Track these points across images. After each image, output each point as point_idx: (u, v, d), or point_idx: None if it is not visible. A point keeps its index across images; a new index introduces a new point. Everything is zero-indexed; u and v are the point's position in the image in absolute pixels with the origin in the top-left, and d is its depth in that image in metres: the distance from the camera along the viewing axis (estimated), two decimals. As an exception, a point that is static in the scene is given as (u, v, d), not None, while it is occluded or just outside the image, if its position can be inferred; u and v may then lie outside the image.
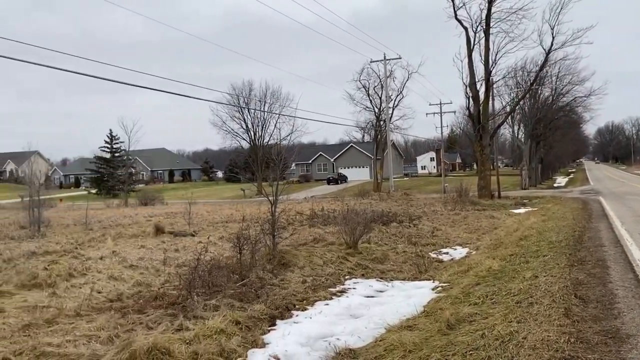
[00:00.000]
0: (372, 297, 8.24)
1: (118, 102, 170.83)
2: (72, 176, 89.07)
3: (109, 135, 62.17)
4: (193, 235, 15.44)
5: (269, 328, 6.48)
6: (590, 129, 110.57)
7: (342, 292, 8.47)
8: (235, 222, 18.98)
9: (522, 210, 23.12)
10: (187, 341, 5.53)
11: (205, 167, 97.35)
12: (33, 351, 5.26)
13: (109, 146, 62.45)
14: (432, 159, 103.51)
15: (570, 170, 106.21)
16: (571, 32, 29.99)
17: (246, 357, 5.44)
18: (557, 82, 47.42)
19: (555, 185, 56.69)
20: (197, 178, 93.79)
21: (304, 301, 7.76)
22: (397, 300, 7.80)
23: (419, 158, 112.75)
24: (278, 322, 6.76)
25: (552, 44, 30.43)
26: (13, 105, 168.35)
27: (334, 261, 10.80)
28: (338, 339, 5.94)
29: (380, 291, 8.67)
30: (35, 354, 5.19)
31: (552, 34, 29.91)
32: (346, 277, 9.63)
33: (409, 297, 7.90)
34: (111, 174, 59.57)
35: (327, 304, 7.64)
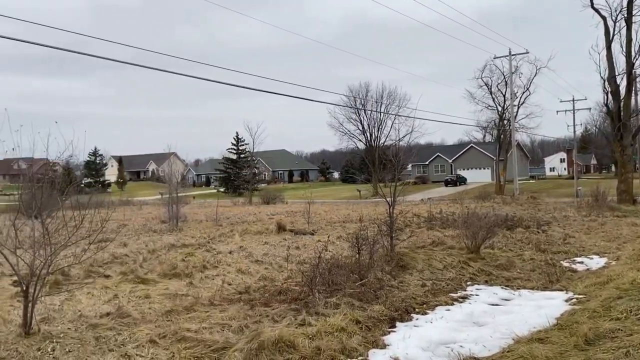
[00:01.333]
0: (497, 305, 7.84)
1: (242, 106, 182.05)
2: (203, 176, 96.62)
3: (235, 137, 66.53)
4: (312, 234, 15.93)
5: (389, 330, 6.48)
6: None
7: (464, 298, 8.18)
8: (352, 222, 19.24)
9: (673, 218, 20.41)
10: (310, 336, 5.72)
11: (322, 167, 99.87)
12: (174, 335, 5.80)
13: (235, 148, 66.80)
14: (562, 160, 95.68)
15: None
16: None
17: (367, 356, 5.49)
18: None
19: None
20: (315, 178, 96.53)
21: (424, 305, 7.63)
22: (525, 310, 7.34)
23: (547, 159, 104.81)
24: (398, 324, 6.73)
25: None
26: (153, 110, 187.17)
27: (455, 266, 10.46)
28: (461, 346, 5.76)
29: (506, 299, 8.23)
30: (176, 338, 5.72)
31: None
32: (468, 282, 9.28)
33: (539, 308, 7.40)
34: (237, 173, 63.65)
35: (449, 310, 7.43)
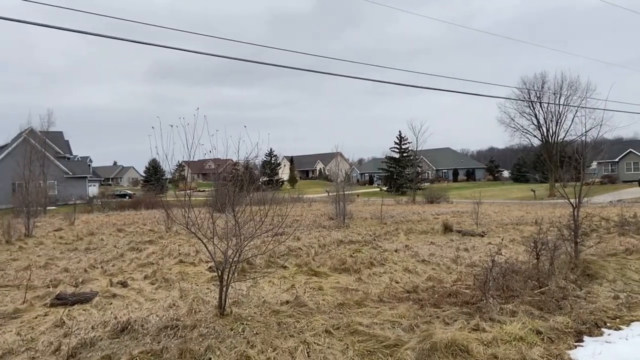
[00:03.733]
0: None
1: (405, 105, 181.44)
2: (367, 174, 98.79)
3: (398, 136, 66.67)
4: (482, 236, 15.20)
5: (575, 344, 5.87)
6: None
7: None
8: (526, 225, 17.89)
9: None
10: (485, 342, 5.47)
11: (490, 166, 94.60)
12: (347, 328, 6.03)
13: (398, 147, 66.95)
14: None
15: None
16: None
17: (550, 370, 5.06)
18: None
19: None
20: (482, 177, 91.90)
21: (617, 319, 6.75)
22: None
23: None
24: (586, 338, 6.06)
25: None
26: (322, 112, 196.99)
27: (656, 278, 9.05)
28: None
29: None
30: (349, 331, 5.94)
31: None
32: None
33: None
34: (400, 172, 63.74)
35: (651, 327, 6.46)
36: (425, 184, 64.96)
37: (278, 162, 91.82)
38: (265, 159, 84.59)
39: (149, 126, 6.40)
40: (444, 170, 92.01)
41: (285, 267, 10.55)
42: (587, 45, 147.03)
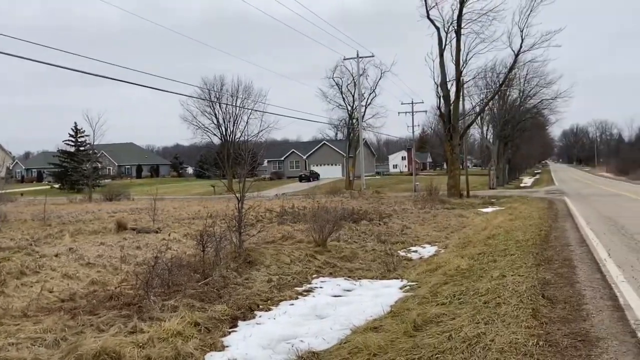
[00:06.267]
0: (340, 296, 8.01)
1: (84, 96, 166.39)
2: (35, 170, 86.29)
3: (73, 128, 60.25)
4: (157, 232, 14.95)
5: (230, 330, 6.19)
6: (555, 131, 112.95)
7: (309, 291, 8.23)
8: (202, 219, 18.52)
9: (490, 210, 23.34)
10: (140, 344, 5.19)
11: (174, 162, 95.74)
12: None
13: (73, 139, 60.57)
14: (403, 158, 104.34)
15: (536, 171, 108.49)
16: (540, 35, 30.39)
17: (203, 361, 5.14)
18: (525, 84, 48.33)
19: (521, 185, 57.76)
20: (166, 174, 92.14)
21: (269, 301, 7.48)
22: (364, 300, 7.60)
23: (390, 157, 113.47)
24: (240, 323, 6.48)
25: (521, 46, 30.94)
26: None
27: (302, 259, 10.54)
28: (302, 341, 5.69)
29: (348, 290, 8.46)
30: (-29, 360, 4.77)
31: (521, 37, 30.43)
32: (314, 275, 9.39)
33: (376, 297, 7.71)
34: (75, 168, 57.67)
35: (293, 304, 7.39)
36: (106, 180, 60.85)
37: None
38: None
39: None
40: (127, 166, 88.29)
41: None
42: (260, 56, 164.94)
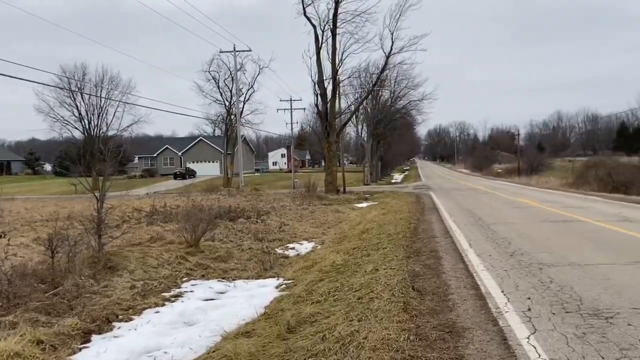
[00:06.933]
0: (212, 299, 7.53)
1: None
2: None
3: None
4: (1, 237, 13.04)
5: (81, 346, 5.44)
6: (422, 131, 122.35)
7: (177, 296, 7.63)
8: (60, 221, 16.64)
9: (364, 205, 24.19)
10: (-40, 375, 4.28)
11: (29, 159, 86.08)
12: None
13: None
14: (283, 156, 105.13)
15: (405, 168, 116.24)
16: (408, 39, 32.32)
17: (43, 388, 4.38)
18: (396, 86, 51.34)
19: (393, 181, 61.31)
20: (19, 171, 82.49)
21: (130, 310, 6.77)
22: (238, 302, 7.21)
23: (270, 154, 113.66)
24: (94, 337, 5.73)
25: (391, 49, 32.58)
26: None
27: (172, 262, 9.80)
28: (166, 352, 5.17)
29: (221, 292, 8.00)
30: None
31: (392, 39, 32.04)
32: (184, 279, 8.75)
33: (251, 298, 7.37)
34: None
35: (158, 312, 6.76)
36: (-57, 179, 52.69)
37: None
38: None
39: None
40: (-30, 163, 77.44)
41: None
42: (129, 45, 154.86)
